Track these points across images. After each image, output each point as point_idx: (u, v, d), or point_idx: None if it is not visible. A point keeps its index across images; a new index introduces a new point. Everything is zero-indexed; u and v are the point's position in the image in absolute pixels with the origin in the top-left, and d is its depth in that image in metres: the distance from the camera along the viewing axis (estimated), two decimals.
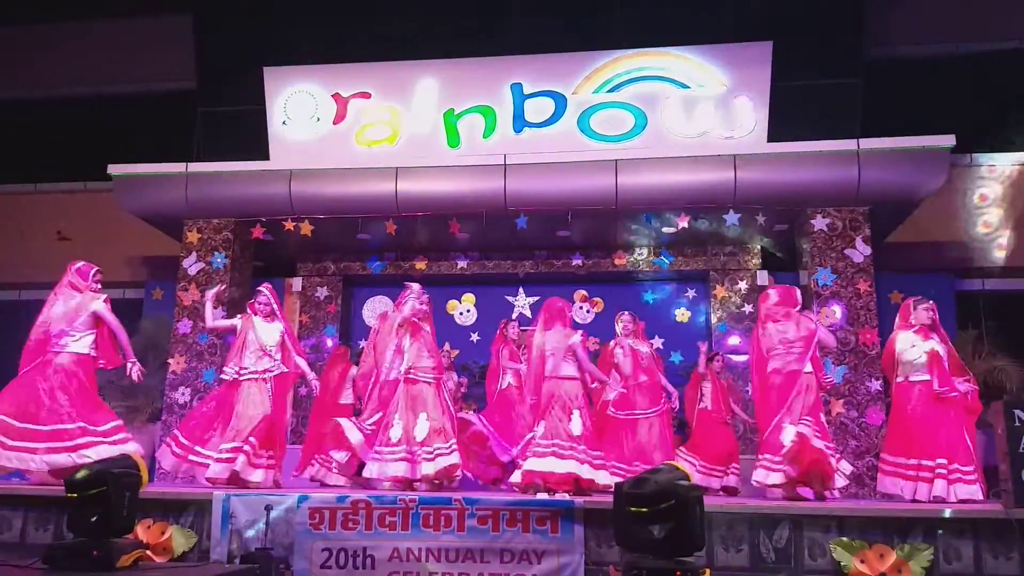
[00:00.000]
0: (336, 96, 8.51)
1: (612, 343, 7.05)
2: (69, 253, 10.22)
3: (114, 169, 8.45)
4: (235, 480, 5.96)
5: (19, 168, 11.19)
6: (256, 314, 6.40)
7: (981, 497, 5.58)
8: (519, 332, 7.44)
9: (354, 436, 6.23)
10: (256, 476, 6.04)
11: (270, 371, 6.26)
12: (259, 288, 6.54)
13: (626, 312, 7.13)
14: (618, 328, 7.02)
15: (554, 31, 9.02)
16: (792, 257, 8.47)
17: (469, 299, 9.55)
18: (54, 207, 10.81)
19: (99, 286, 6.17)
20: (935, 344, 5.93)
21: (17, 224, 10.86)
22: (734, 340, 8.64)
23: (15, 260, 10.68)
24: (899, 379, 6.05)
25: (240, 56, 9.37)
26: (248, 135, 8.70)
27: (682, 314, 9.20)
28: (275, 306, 6.45)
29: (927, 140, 7.50)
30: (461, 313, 9.50)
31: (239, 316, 6.51)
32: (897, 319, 6.29)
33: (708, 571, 3.70)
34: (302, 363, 6.47)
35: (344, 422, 6.34)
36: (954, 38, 9.87)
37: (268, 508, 5.15)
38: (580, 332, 6.28)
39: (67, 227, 10.66)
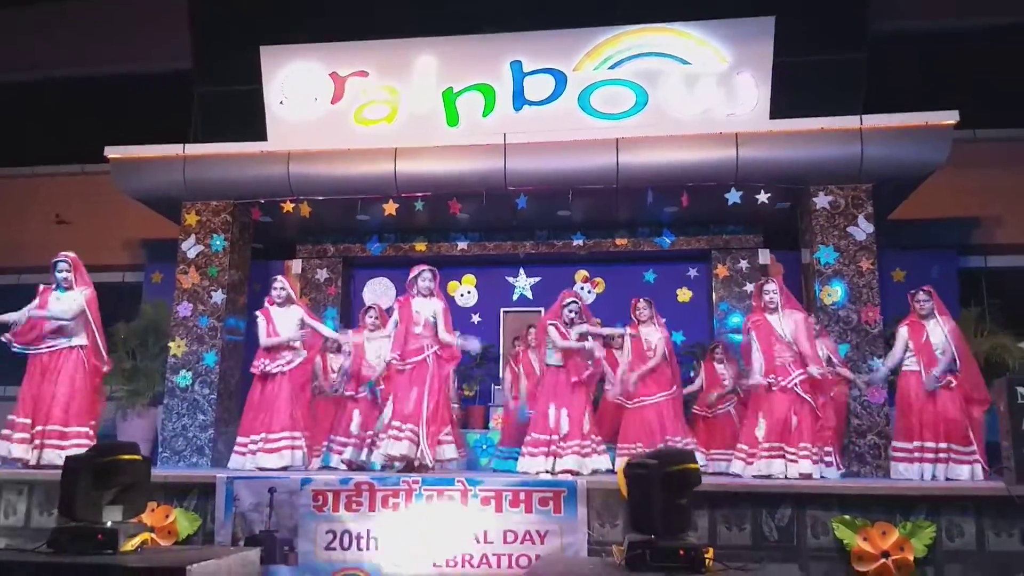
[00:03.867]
0: (334, 75, 8.44)
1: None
2: (68, 237, 10.27)
3: (111, 151, 8.40)
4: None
5: (16, 151, 11.15)
6: (272, 304, 6.64)
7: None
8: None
9: None
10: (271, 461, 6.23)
11: (292, 363, 6.49)
12: (274, 277, 6.87)
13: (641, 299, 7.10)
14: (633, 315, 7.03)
15: (554, 7, 8.93)
16: (794, 235, 8.44)
17: (469, 280, 9.54)
18: (52, 190, 10.79)
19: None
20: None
21: (15, 208, 10.84)
22: (736, 319, 8.64)
23: (14, 244, 10.67)
24: None
25: (236, 35, 9.29)
26: (245, 115, 8.63)
27: (684, 294, 9.20)
28: (290, 291, 6.73)
29: (930, 116, 7.43)
30: (462, 294, 9.49)
31: (259, 313, 6.71)
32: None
33: (711, 550, 3.72)
34: (329, 332, 6.84)
35: None
36: (958, 12, 9.78)
37: (272, 491, 5.19)
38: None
39: (65, 210, 10.65)
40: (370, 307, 7.37)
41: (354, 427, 6.77)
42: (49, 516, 5.35)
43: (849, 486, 5.11)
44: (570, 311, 6.34)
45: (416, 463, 5.94)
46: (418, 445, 5.91)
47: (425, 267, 6.41)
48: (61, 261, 6.29)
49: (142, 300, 9.30)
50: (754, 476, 5.75)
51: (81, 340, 6.20)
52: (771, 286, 6.24)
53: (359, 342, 7.09)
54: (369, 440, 6.54)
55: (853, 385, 7.06)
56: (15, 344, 6.15)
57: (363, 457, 6.62)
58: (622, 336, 7.16)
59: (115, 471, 3.95)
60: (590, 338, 6.37)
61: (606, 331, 6.76)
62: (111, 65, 11.01)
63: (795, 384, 5.92)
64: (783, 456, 5.81)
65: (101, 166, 8.70)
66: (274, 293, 6.68)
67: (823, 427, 6.01)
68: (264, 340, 6.56)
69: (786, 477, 5.66)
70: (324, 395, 7.36)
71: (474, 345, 6.57)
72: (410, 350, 6.13)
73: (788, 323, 6.10)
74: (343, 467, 6.59)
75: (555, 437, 6.03)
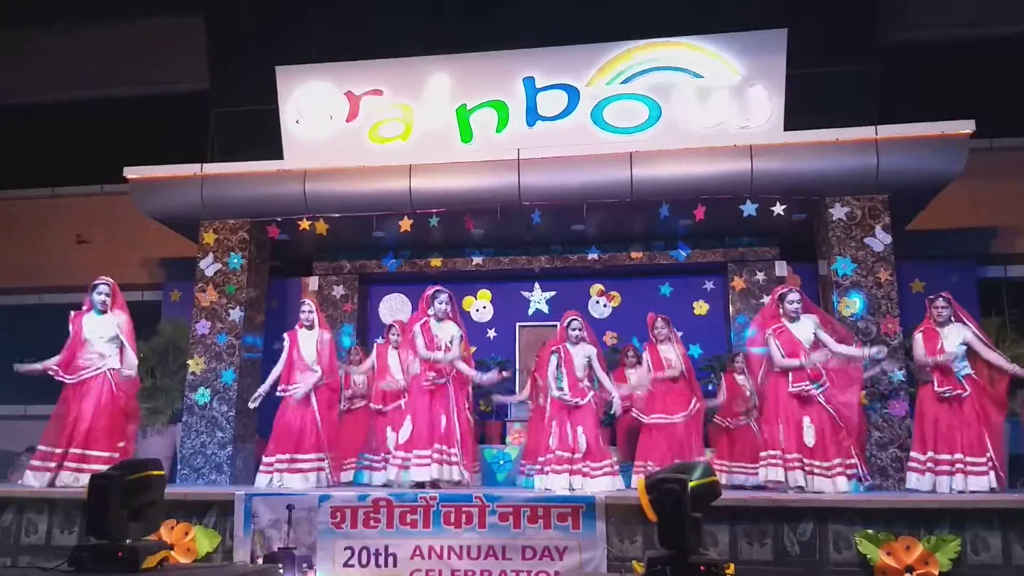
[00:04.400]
0: (348, 94, 8.51)
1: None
2: (88, 256, 10.39)
3: (130, 172, 8.49)
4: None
5: (36, 172, 11.31)
6: (301, 327, 6.80)
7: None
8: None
9: None
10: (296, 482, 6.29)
11: (308, 384, 6.59)
12: (302, 300, 7.06)
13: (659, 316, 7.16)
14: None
15: (566, 23, 8.99)
16: (811, 246, 8.39)
17: (485, 295, 9.55)
18: (72, 211, 10.92)
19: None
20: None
21: (36, 228, 10.98)
22: (754, 332, 8.57)
23: (35, 264, 10.80)
24: None
25: (253, 56, 9.41)
26: (262, 135, 8.72)
27: (700, 307, 9.16)
28: (315, 316, 6.84)
29: (946, 126, 7.38)
30: (477, 309, 9.49)
31: (286, 335, 6.86)
32: None
33: (732, 566, 3.68)
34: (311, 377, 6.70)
35: None
36: (971, 21, 9.74)
37: (290, 508, 5.20)
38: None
39: (86, 231, 10.78)
40: (392, 324, 7.66)
41: (391, 443, 6.77)
42: (70, 534, 5.39)
43: (872, 500, 5.05)
44: (572, 330, 6.40)
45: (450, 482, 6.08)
46: (456, 465, 6.08)
47: (442, 289, 6.53)
48: (102, 284, 6.38)
49: (161, 318, 9.38)
50: (792, 488, 5.73)
51: (112, 363, 6.25)
52: (794, 295, 6.23)
53: (383, 354, 7.39)
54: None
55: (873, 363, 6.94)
56: (65, 377, 6.19)
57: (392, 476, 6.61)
58: (637, 359, 7.22)
59: (145, 488, 3.97)
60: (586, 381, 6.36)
61: (611, 394, 6.55)
62: (130, 86, 11.17)
63: (818, 394, 5.90)
64: (807, 468, 5.78)
65: (120, 186, 8.81)
66: (302, 316, 6.85)
67: (845, 438, 5.96)
68: (277, 366, 6.74)
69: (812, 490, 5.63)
70: (350, 409, 7.60)
71: (491, 376, 6.69)
72: (432, 372, 6.28)
73: (807, 330, 6.08)
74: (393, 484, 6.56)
75: (577, 455, 6.05)
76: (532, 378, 7.62)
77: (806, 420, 5.88)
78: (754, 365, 6.62)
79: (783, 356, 6.07)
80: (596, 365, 6.36)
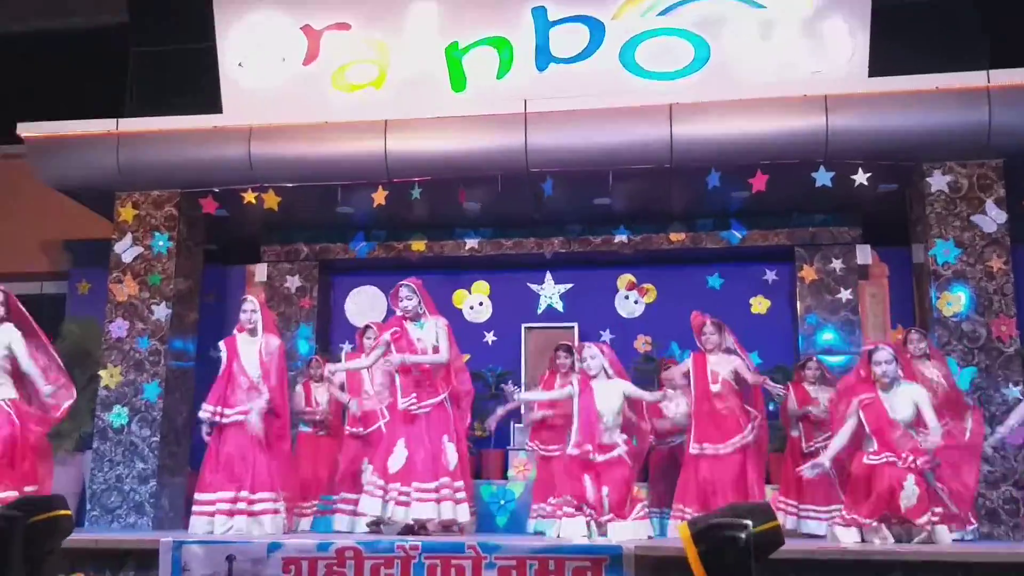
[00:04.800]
0: (307, 29, 8.52)
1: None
2: None
3: (25, 129, 8.52)
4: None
5: None
6: (242, 331, 6.81)
7: None
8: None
9: None
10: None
11: (253, 409, 6.60)
12: (243, 297, 7.11)
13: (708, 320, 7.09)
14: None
15: None
16: (902, 227, 8.40)
17: (482, 288, 9.57)
18: None
19: None
20: None
21: None
22: (828, 336, 8.59)
23: None
24: None
25: None
26: (194, 81, 8.76)
27: (759, 303, 9.16)
28: (259, 317, 6.82)
29: None
30: (472, 307, 9.52)
31: (223, 344, 6.87)
32: None
33: None
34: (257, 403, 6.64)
35: None
36: None
37: (230, 559, 5.23)
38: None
39: None
40: (368, 326, 7.74)
41: (367, 476, 6.77)
42: None
43: (979, 551, 5.06)
44: (585, 360, 6.62)
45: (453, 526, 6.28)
46: (457, 503, 6.25)
47: (405, 283, 6.66)
48: None
49: (65, 317, 9.42)
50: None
51: (5, 392, 6.14)
52: (884, 354, 6.14)
53: (355, 370, 7.40)
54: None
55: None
56: None
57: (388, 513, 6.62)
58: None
59: (50, 532, 3.98)
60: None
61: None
62: (26, 20, 11.18)
63: (911, 464, 5.89)
64: (894, 521, 5.82)
65: (13, 148, 8.86)
66: (243, 318, 6.85)
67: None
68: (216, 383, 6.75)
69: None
70: (315, 428, 7.73)
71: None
72: (424, 391, 6.39)
73: (906, 404, 6.03)
74: (366, 530, 6.60)
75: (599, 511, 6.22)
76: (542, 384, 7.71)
77: (910, 479, 5.85)
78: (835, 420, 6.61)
79: (869, 434, 6.05)
80: (636, 394, 6.55)
